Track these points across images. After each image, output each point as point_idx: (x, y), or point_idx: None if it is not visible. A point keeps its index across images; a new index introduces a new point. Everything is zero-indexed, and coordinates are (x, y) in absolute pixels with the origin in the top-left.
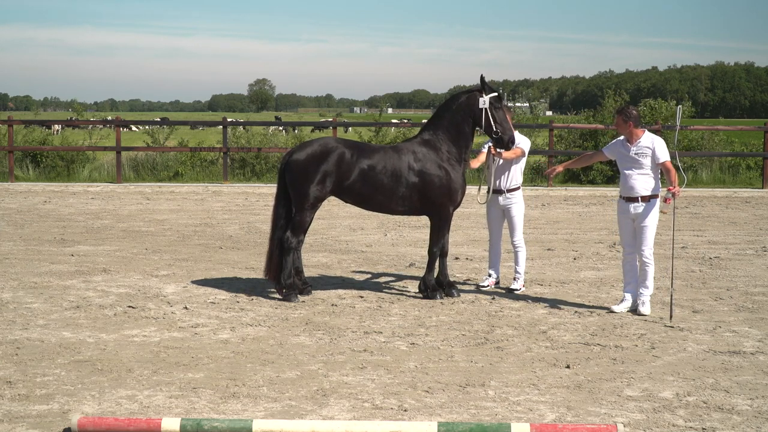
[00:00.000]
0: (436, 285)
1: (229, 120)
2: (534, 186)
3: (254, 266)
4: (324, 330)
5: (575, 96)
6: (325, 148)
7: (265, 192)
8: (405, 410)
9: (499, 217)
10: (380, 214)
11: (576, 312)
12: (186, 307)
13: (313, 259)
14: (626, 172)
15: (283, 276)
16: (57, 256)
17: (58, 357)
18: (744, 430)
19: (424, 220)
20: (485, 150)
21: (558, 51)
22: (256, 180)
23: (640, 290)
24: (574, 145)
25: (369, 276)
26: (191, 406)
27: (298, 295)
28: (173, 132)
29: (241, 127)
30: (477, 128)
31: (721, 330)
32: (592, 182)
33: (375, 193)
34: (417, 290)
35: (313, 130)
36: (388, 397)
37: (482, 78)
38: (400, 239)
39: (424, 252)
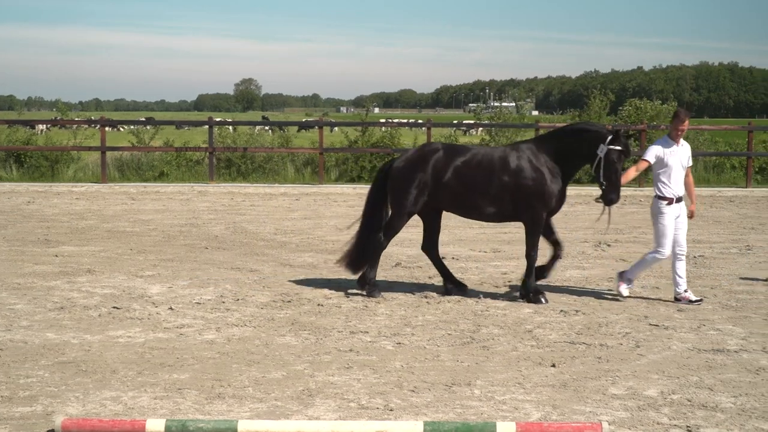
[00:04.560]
0: (538, 288)
1: (215, 120)
2: None
3: (240, 266)
4: (310, 330)
5: (561, 96)
6: (423, 155)
7: (251, 192)
8: (391, 410)
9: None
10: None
11: (561, 311)
12: (171, 308)
13: (299, 259)
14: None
15: (371, 273)
16: (41, 256)
17: (41, 358)
18: (728, 428)
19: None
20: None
21: (544, 51)
22: (241, 180)
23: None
24: None
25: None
26: (176, 407)
27: (381, 292)
28: (158, 132)
29: (228, 127)
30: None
31: (705, 328)
32: (578, 182)
33: (468, 193)
34: (519, 296)
35: (299, 130)
36: (374, 397)
37: (620, 132)
38: None
39: (411, 252)
